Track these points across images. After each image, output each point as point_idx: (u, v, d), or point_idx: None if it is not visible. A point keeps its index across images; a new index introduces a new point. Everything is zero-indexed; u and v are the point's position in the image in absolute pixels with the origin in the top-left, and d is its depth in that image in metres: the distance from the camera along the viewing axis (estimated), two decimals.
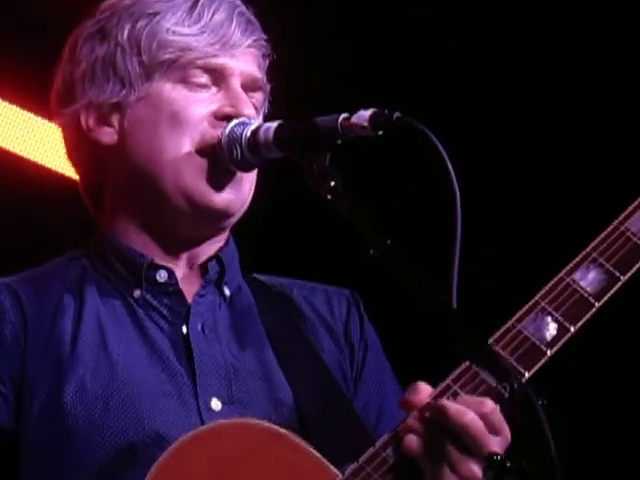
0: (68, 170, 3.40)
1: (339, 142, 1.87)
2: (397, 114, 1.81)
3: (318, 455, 1.97)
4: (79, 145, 2.10)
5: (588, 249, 1.95)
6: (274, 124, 1.94)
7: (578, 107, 4.44)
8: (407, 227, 1.99)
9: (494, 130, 4.52)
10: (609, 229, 1.97)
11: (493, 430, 1.83)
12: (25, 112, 3.90)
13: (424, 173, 1.91)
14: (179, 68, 2.03)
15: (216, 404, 2.02)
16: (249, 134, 1.95)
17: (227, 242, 2.13)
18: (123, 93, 2.04)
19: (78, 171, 2.14)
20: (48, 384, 1.98)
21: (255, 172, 2.07)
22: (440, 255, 1.80)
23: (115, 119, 2.05)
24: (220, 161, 1.99)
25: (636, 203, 2.00)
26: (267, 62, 2.14)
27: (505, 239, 4.37)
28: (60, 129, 2.16)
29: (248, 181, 2.05)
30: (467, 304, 1.84)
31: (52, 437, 1.95)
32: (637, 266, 1.97)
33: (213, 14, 2.03)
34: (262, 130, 1.94)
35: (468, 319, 1.78)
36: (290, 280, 2.26)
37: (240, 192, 2.04)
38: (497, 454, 1.82)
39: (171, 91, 2.03)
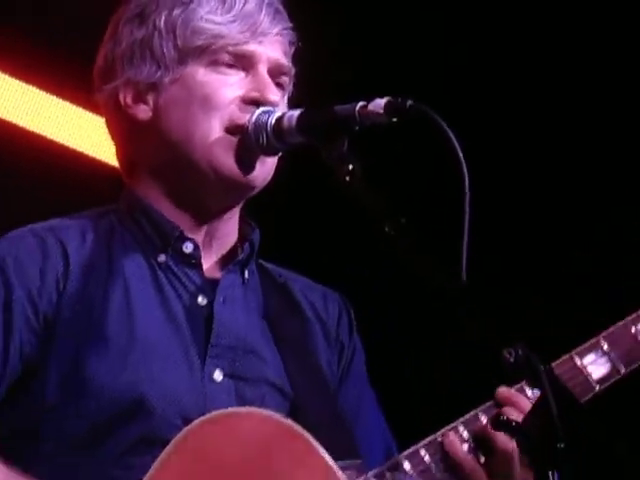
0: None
1: (357, 129, 1.98)
2: (410, 102, 1.93)
3: (329, 458, 2.08)
4: (117, 119, 2.24)
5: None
6: (297, 112, 2.08)
7: (582, 104, 4.49)
8: (420, 211, 2.10)
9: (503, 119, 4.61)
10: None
11: None
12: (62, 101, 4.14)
13: (436, 159, 2.00)
14: (211, 53, 2.17)
15: (218, 375, 2.15)
16: (274, 122, 2.08)
17: (254, 230, 2.27)
18: (158, 74, 2.18)
19: (115, 141, 2.29)
20: (76, 332, 2.11)
21: (277, 156, 2.20)
22: (451, 237, 1.90)
23: (150, 98, 2.19)
24: (247, 144, 2.13)
25: None
26: (293, 49, 2.27)
27: (510, 225, 4.52)
28: (100, 103, 2.28)
29: (271, 161, 2.19)
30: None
31: (73, 383, 2.08)
32: None
33: (244, 4, 2.17)
34: (286, 118, 2.08)
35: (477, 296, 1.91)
36: (291, 273, 2.40)
37: (263, 170, 2.18)
38: None
39: (203, 75, 2.17)
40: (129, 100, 2.21)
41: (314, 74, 2.68)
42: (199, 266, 2.20)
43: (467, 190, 1.87)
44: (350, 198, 1.93)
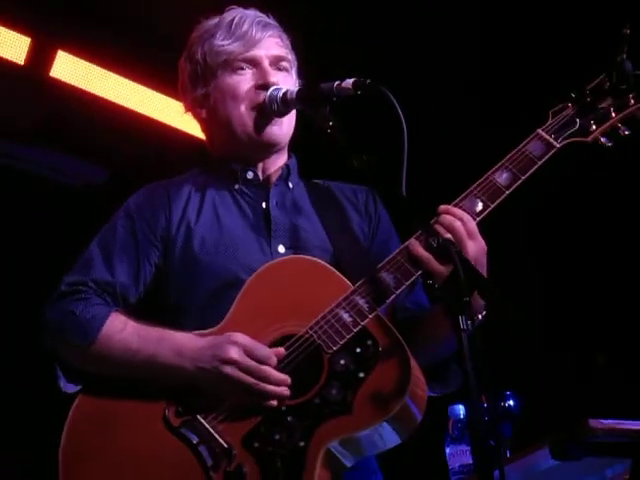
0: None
1: (334, 99, 2.83)
2: (369, 80, 2.79)
3: (343, 277, 2.81)
4: (196, 119, 3.19)
5: (503, 161, 2.81)
6: (296, 88, 2.98)
7: None
8: (376, 151, 2.73)
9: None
10: (515, 151, 2.83)
11: (471, 235, 2.69)
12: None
13: (388, 119, 2.75)
14: (229, 64, 3.07)
15: (282, 248, 2.97)
16: (281, 95, 2.98)
17: (290, 157, 3.14)
18: (205, 89, 3.11)
19: (201, 128, 3.22)
20: (183, 240, 2.95)
21: (291, 116, 3.04)
22: (395, 165, 2.74)
23: (205, 103, 3.13)
24: (265, 112, 3.02)
25: (532, 136, 2.85)
26: (285, 39, 3.14)
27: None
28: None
29: (286, 121, 3.05)
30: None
31: (186, 269, 2.92)
32: (531, 171, 2.81)
33: (241, 27, 3.08)
34: (289, 92, 2.97)
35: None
36: (334, 182, 3.19)
37: (280, 129, 3.04)
38: None
39: (228, 79, 3.08)
40: (196, 109, 3.16)
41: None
42: (260, 185, 3.07)
43: (405, 134, 2.74)
44: (330, 144, 2.77)
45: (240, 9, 3.16)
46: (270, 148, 3.10)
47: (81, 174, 5.75)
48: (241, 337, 2.74)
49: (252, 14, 3.14)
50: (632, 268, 5.33)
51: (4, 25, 5.22)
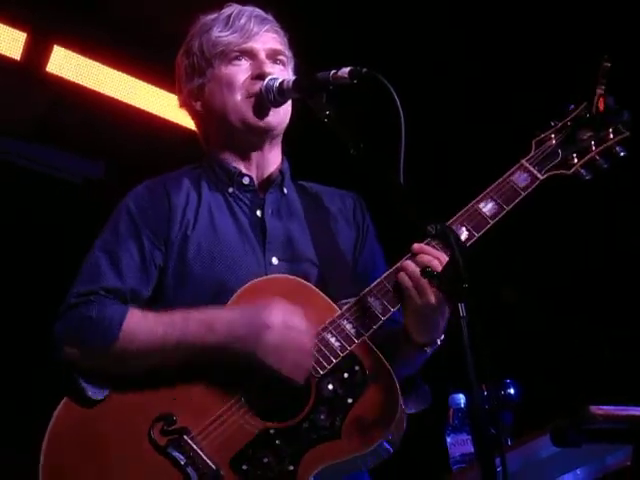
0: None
1: (331, 87, 2.82)
2: (365, 69, 2.77)
3: (329, 300, 2.82)
4: (191, 116, 3.19)
5: (488, 190, 2.86)
6: (292, 78, 2.96)
7: None
8: (373, 139, 2.75)
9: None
10: (500, 181, 2.88)
11: None
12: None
13: (385, 106, 2.73)
14: (226, 55, 3.08)
15: (275, 260, 2.94)
16: (277, 85, 2.97)
17: (283, 162, 3.13)
18: (201, 80, 3.10)
19: (197, 130, 3.21)
20: (179, 245, 2.91)
21: (287, 106, 3.04)
22: (393, 153, 2.74)
23: (201, 95, 3.11)
24: (261, 102, 3.01)
25: (517, 166, 2.90)
26: (282, 36, 3.14)
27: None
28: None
29: (282, 110, 3.04)
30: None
31: (181, 273, 2.88)
32: (515, 202, 2.87)
33: (239, 20, 3.10)
34: (285, 82, 2.96)
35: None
36: (320, 186, 3.19)
37: (275, 117, 3.02)
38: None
39: (225, 69, 3.08)
40: (192, 102, 3.14)
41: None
42: (254, 191, 3.05)
43: (402, 123, 2.73)
44: (328, 131, 2.76)
45: (238, 5, 3.17)
46: (265, 135, 3.08)
47: (79, 169, 5.75)
48: (279, 302, 2.73)
49: (250, 9, 3.14)
50: (634, 256, 5.30)
51: (0, 21, 5.22)
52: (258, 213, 3.03)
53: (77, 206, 5.57)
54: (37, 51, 5.30)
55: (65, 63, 5.38)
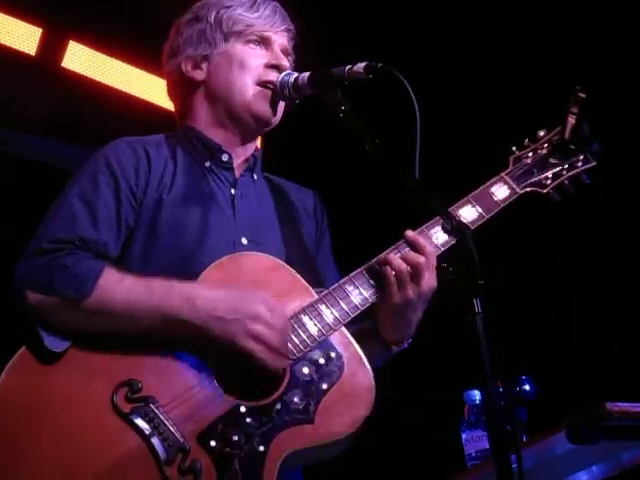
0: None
1: (346, 83, 2.81)
2: (380, 64, 2.77)
3: (307, 283, 2.80)
4: (178, 82, 3.13)
5: (468, 197, 2.95)
6: (307, 73, 2.96)
7: None
8: (389, 135, 2.71)
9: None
10: (480, 189, 2.98)
11: (430, 271, 2.78)
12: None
13: (399, 101, 2.72)
14: (245, 35, 3.09)
15: (244, 240, 2.92)
16: (293, 80, 2.98)
17: (257, 149, 3.14)
18: (210, 50, 3.09)
19: (174, 96, 3.18)
20: (153, 208, 2.85)
21: (283, 105, 3.07)
22: (409, 149, 2.74)
23: (204, 65, 3.10)
24: (273, 94, 3.02)
25: (497, 178, 3.02)
26: (293, 40, 3.17)
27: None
28: (165, 75, 3.19)
29: (281, 109, 3.08)
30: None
31: (152, 235, 2.81)
32: (494, 212, 2.97)
33: (265, 9, 3.11)
34: (300, 77, 2.97)
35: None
36: (282, 179, 3.22)
37: (275, 113, 3.07)
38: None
39: (241, 48, 3.09)
40: (189, 68, 3.11)
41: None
42: (232, 169, 3.06)
43: (418, 118, 2.72)
44: (343, 127, 2.75)
45: None
46: (259, 127, 3.10)
47: None
48: (264, 295, 2.69)
49: (273, 2, 3.15)
50: None
51: (15, 16, 5.23)
52: (232, 191, 3.02)
53: None
54: (52, 46, 5.31)
55: (80, 58, 5.39)
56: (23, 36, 5.24)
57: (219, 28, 3.09)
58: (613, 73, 5.05)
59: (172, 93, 3.20)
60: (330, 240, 3.21)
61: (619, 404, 2.82)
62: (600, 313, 5.33)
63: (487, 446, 3.45)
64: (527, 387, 3.68)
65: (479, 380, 2.33)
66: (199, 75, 3.10)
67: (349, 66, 2.82)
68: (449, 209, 2.87)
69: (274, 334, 2.64)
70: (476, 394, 3.65)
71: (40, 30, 5.28)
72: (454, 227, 2.64)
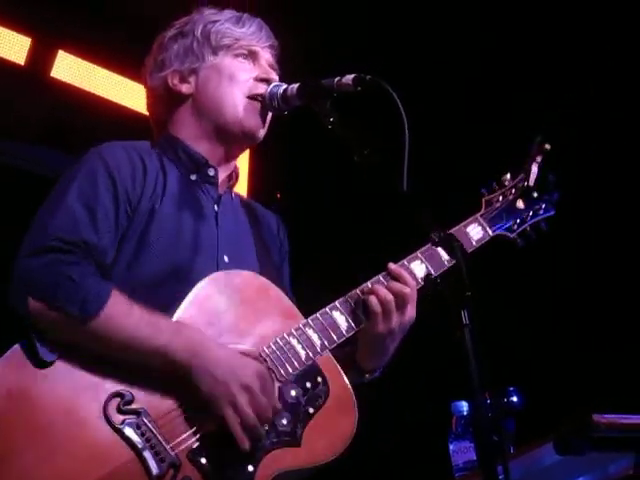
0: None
1: (335, 95, 2.81)
2: (369, 76, 2.76)
3: (294, 305, 2.85)
4: (163, 96, 3.11)
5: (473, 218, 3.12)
6: (297, 85, 2.96)
7: None
8: (377, 145, 2.71)
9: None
10: (457, 228, 3.09)
11: (412, 303, 2.87)
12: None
13: (387, 113, 2.72)
14: (234, 49, 3.10)
15: (226, 258, 2.91)
16: (282, 91, 2.99)
17: (237, 167, 3.13)
18: (198, 64, 3.08)
19: (154, 109, 3.14)
20: (146, 216, 2.83)
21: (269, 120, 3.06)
22: (397, 161, 2.70)
23: (192, 79, 3.09)
24: (262, 106, 3.03)
25: (472, 219, 3.15)
26: (277, 56, 3.17)
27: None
28: (147, 89, 3.16)
29: (267, 124, 3.07)
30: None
31: (140, 244, 2.78)
32: (468, 252, 3.05)
33: (250, 25, 3.13)
34: (289, 88, 2.97)
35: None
36: (248, 199, 3.26)
37: (264, 128, 3.07)
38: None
39: (229, 62, 3.08)
40: (176, 81, 3.09)
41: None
42: (216, 184, 3.05)
43: (406, 129, 2.70)
44: (332, 138, 2.73)
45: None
46: (247, 141, 3.11)
47: None
48: (264, 371, 2.68)
49: (259, 19, 3.17)
50: (636, 263, 5.31)
51: (4, 25, 5.24)
52: (215, 208, 3.03)
53: None
54: (41, 56, 5.33)
55: (69, 68, 5.40)
56: (12, 46, 5.25)
57: (207, 42, 3.10)
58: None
59: (154, 106, 3.17)
60: (289, 266, 3.23)
61: (606, 415, 2.82)
62: (588, 324, 5.33)
63: (475, 457, 3.45)
64: (515, 398, 3.68)
65: (467, 391, 2.34)
66: (186, 89, 3.09)
67: (338, 78, 2.82)
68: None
69: (252, 414, 2.62)
70: (463, 405, 3.65)
71: (29, 40, 5.30)
72: (443, 239, 2.64)
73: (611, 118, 5.10)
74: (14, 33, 5.24)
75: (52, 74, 5.37)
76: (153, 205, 2.87)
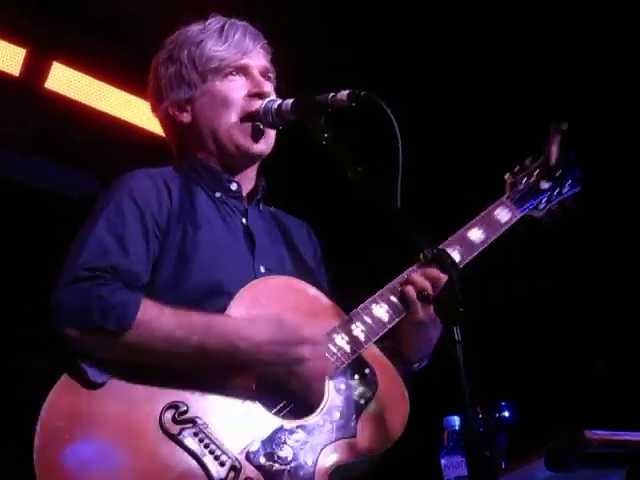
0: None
1: (329, 110, 2.84)
2: (363, 92, 2.79)
3: (334, 303, 2.94)
4: (170, 125, 3.17)
5: (476, 220, 3.14)
6: (291, 100, 2.97)
7: None
8: (370, 163, 2.75)
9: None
10: (485, 213, 3.16)
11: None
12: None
13: (380, 128, 2.75)
14: (221, 70, 3.09)
15: (263, 269, 2.97)
16: (276, 106, 3.00)
17: (260, 179, 3.17)
18: (191, 92, 3.10)
19: (170, 136, 3.21)
20: (179, 240, 2.88)
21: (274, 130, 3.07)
22: (390, 178, 2.75)
23: (189, 107, 3.11)
24: (257, 124, 3.03)
25: (499, 202, 3.22)
26: (271, 55, 3.18)
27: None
28: (157, 119, 3.23)
29: (272, 135, 3.09)
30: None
31: (178, 266, 2.84)
32: (498, 234, 3.17)
33: (234, 35, 3.11)
34: (284, 104, 2.98)
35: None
36: (276, 209, 3.27)
37: (267, 142, 3.09)
38: None
39: (219, 85, 3.09)
40: (176, 112, 3.13)
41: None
42: (241, 198, 3.10)
43: (400, 146, 2.74)
44: (326, 154, 2.76)
45: (224, 17, 3.17)
46: (254, 160, 3.14)
47: (76, 185, 5.74)
48: (307, 331, 2.75)
49: (241, 23, 3.15)
50: (631, 275, 5.32)
51: None
52: (244, 221, 3.08)
53: (74, 221, 5.56)
54: (36, 67, 5.31)
55: (64, 80, 5.40)
56: (7, 57, 5.25)
57: (194, 68, 3.10)
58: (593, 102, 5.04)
59: (168, 134, 3.24)
60: (325, 269, 3.27)
61: (598, 432, 2.83)
62: (580, 340, 5.34)
63: (466, 472, 3.43)
64: (506, 413, 3.69)
65: (459, 406, 2.36)
66: (186, 118, 3.12)
67: (332, 93, 2.84)
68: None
69: (317, 370, 2.76)
70: (455, 420, 3.64)
71: (24, 51, 5.29)
72: (435, 255, 2.69)
73: (611, 118, 5.07)
74: (9, 44, 5.24)
75: (47, 85, 5.37)
76: (184, 225, 2.92)
